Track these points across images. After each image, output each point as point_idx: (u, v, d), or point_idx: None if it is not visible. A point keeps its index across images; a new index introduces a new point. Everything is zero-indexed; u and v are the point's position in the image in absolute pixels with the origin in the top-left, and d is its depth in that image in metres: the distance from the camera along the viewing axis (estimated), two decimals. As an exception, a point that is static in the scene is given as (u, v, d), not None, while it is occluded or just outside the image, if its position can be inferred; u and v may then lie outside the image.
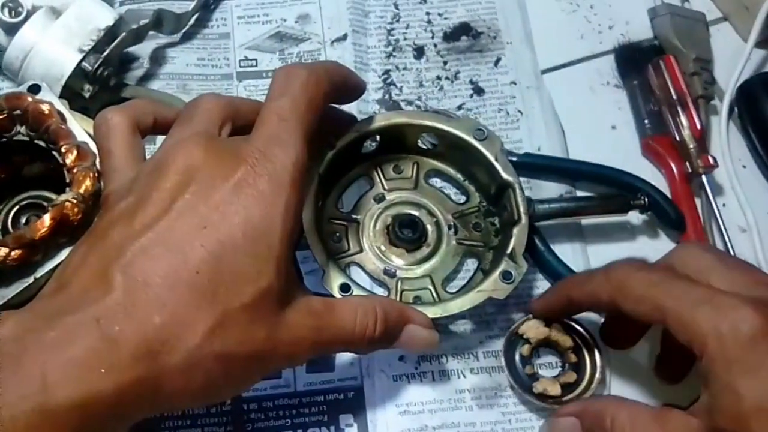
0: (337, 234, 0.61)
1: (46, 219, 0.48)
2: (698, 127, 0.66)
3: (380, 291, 0.59)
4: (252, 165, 0.43)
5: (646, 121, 0.69)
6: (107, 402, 0.36)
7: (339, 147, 0.58)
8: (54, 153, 0.52)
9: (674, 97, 0.68)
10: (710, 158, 0.65)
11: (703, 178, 0.66)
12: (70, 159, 0.50)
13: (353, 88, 0.55)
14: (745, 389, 0.41)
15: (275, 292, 0.42)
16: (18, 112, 0.52)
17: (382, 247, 0.61)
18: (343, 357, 0.59)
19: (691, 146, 0.66)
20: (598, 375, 0.57)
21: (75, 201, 0.49)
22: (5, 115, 0.52)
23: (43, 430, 0.35)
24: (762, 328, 0.42)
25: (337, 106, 0.58)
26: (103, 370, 0.36)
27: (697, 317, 0.44)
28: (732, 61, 0.71)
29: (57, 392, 0.35)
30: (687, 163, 0.66)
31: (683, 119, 0.67)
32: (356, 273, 0.60)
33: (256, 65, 0.71)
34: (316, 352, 0.46)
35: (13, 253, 0.48)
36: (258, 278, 0.41)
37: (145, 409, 0.39)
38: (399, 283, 0.59)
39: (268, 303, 0.42)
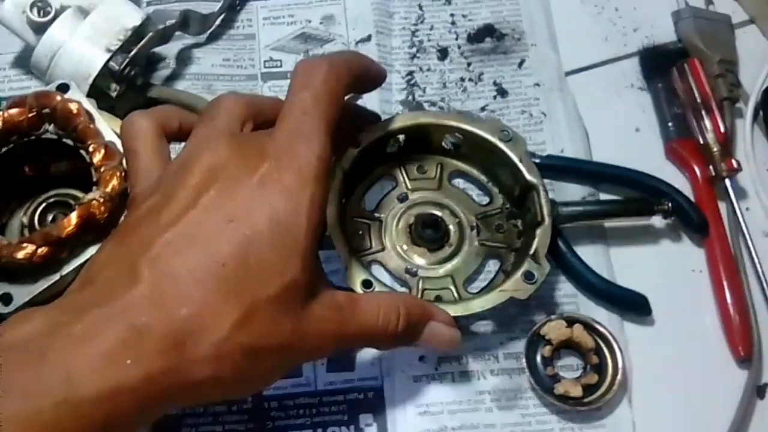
0: (360, 232, 0.61)
1: (73, 217, 0.49)
2: (722, 130, 0.66)
3: (401, 290, 0.59)
4: (276, 160, 0.43)
5: (670, 124, 0.69)
6: (134, 394, 0.36)
7: (364, 145, 0.59)
8: (82, 152, 0.52)
9: (698, 100, 0.67)
10: (734, 162, 0.65)
11: (727, 181, 0.65)
12: (97, 158, 0.51)
13: (374, 77, 0.55)
14: None
15: (301, 285, 0.42)
16: (47, 110, 0.53)
17: (405, 246, 0.61)
18: (364, 357, 0.60)
19: (715, 149, 0.66)
20: (619, 376, 0.57)
21: (102, 200, 0.49)
22: (34, 113, 0.53)
23: (70, 422, 0.35)
24: None
25: (360, 105, 0.58)
26: (129, 362, 0.36)
27: None
28: (758, 64, 0.71)
29: (83, 385, 0.35)
30: (711, 167, 0.65)
31: (707, 122, 0.67)
32: (378, 271, 0.60)
33: (281, 66, 0.72)
34: (340, 346, 0.46)
35: (39, 250, 0.49)
36: (284, 271, 0.41)
37: (173, 401, 0.40)
38: (420, 282, 0.59)
39: (294, 296, 0.42)
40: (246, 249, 0.40)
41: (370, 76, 0.54)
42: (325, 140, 0.45)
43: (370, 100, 0.67)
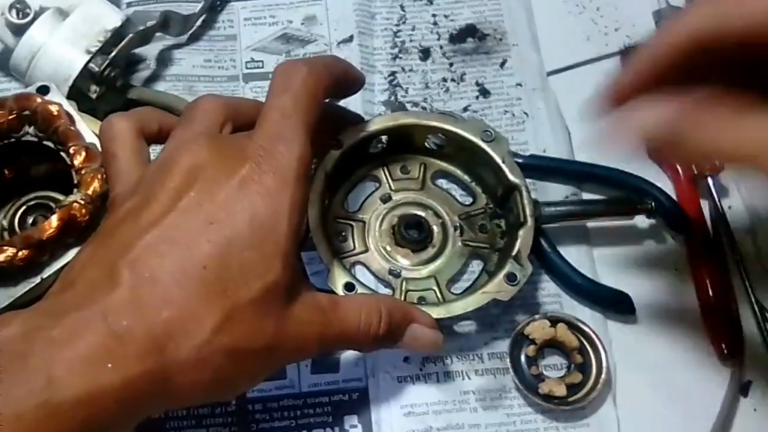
0: (343, 233, 0.61)
1: (54, 219, 0.49)
2: (704, 129, 0.66)
3: (385, 291, 0.59)
4: (256, 162, 0.43)
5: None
6: (114, 397, 0.36)
7: (346, 146, 0.59)
8: (62, 154, 0.52)
9: (680, 99, 0.67)
10: (717, 161, 0.65)
11: (709, 180, 0.65)
12: (78, 160, 0.51)
13: (353, 82, 0.55)
14: None
15: (282, 286, 0.42)
16: (27, 112, 0.52)
17: (388, 248, 0.61)
18: (348, 358, 0.59)
19: (697, 148, 0.66)
20: (603, 375, 0.57)
21: (83, 202, 0.49)
22: (14, 115, 0.52)
23: (49, 425, 0.35)
24: None
25: (342, 106, 0.58)
26: (109, 365, 0.36)
27: None
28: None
29: (62, 388, 0.35)
30: (693, 165, 0.66)
31: (689, 121, 0.67)
32: (361, 273, 0.60)
33: (263, 67, 0.72)
34: (323, 348, 0.47)
35: (20, 253, 0.49)
36: (265, 273, 0.41)
37: (155, 404, 0.40)
38: (404, 283, 0.59)
39: (276, 297, 0.42)
40: (226, 251, 0.41)
41: (348, 81, 0.54)
42: (305, 142, 0.45)
43: (352, 101, 0.67)
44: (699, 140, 0.40)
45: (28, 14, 0.63)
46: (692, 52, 0.41)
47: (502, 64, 0.72)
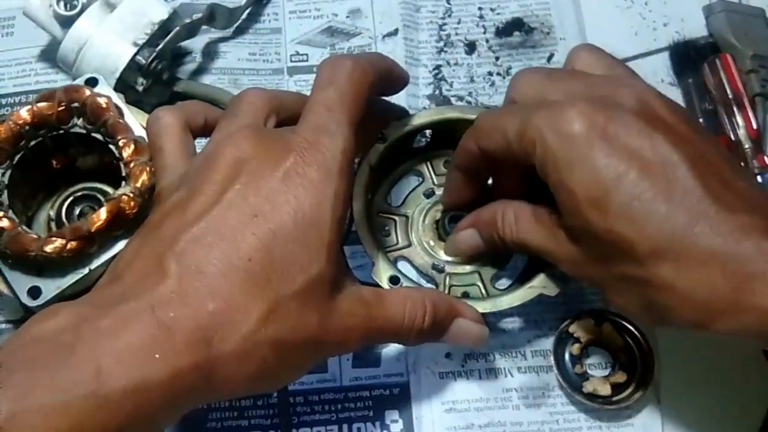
0: (386, 228, 0.61)
1: (103, 212, 0.49)
2: (754, 126, 0.65)
3: (428, 286, 0.59)
4: (300, 155, 0.43)
5: (700, 120, 0.68)
6: (161, 388, 0.37)
7: (391, 141, 0.58)
8: (111, 146, 0.52)
9: (730, 96, 0.66)
10: (766, 159, 0.64)
11: (759, 179, 0.64)
12: (127, 153, 0.51)
13: (397, 80, 0.55)
14: (573, 183, 0.44)
15: (326, 279, 0.43)
16: (76, 104, 0.53)
17: (431, 242, 0.61)
18: (389, 353, 0.59)
19: (747, 146, 0.65)
20: (648, 375, 0.56)
21: (132, 195, 0.49)
22: (63, 107, 0.52)
23: (97, 415, 0.35)
24: (583, 124, 0.44)
25: (386, 98, 0.58)
26: (157, 356, 0.37)
27: (528, 128, 0.46)
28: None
29: (110, 379, 0.35)
30: (743, 164, 0.65)
31: (739, 119, 0.66)
32: (405, 267, 0.60)
33: (307, 60, 0.72)
34: (366, 341, 0.47)
35: (69, 245, 0.49)
36: (309, 265, 0.42)
37: (201, 396, 0.40)
38: (447, 278, 0.59)
39: (320, 290, 0.42)
40: (271, 243, 0.41)
41: (393, 78, 0.54)
42: (349, 136, 0.45)
43: (395, 95, 0.67)
44: (509, 236, 0.52)
45: (75, 6, 0.64)
46: (478, 161, 0.53)
47: (549, 58, 0.71)
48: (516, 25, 0.73)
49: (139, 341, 0.37)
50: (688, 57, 0.71)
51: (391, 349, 0.60)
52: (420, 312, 0.48)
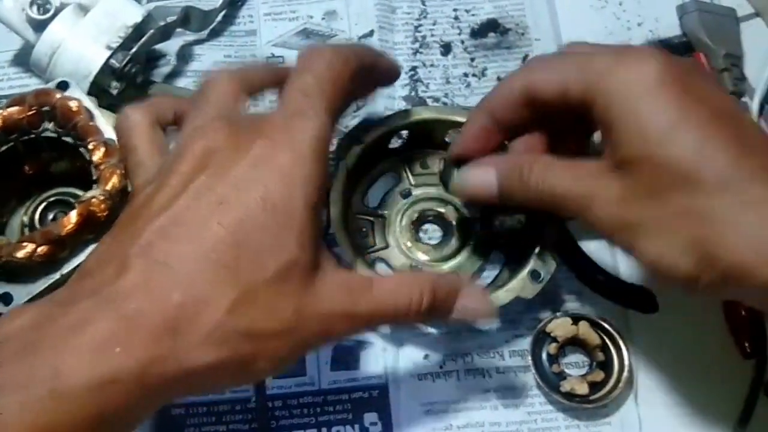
0: (364, 229, 0.61)
1: (73, 215, 0.49)
2: (729, 124, 0.65)
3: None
4: (271, 139, 0.42)
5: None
6: (127, 383, 0.36)
7: (367, 142, 0.58)
8: (81, 150, 0.52)
9: (704, 94, 0.67)
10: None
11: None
12: (97, 156, 0.51)
13: (387, 71, 0.54)
14: (644, 114, 0.43)
15: (301, 265, 0.41)
16: (46, 108, 0.53)
17: (408, 243, 0.61)
18: (368, 355, 0.59)
19: (721, 144, 0.65)
20: (626, 373, 0.56)
21: (102, 198, 0.49)
22: (34, 111, 0.52)
23: (58, 414, 0.34)
24: (656, 63, 0.44)
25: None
26: (119, 350, 0.36)
27: (594, 63, 0.46)
28: (764, 58, 0.70)
29: (70, 376, 0.34)
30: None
31: (713, 116, 0.66)
32: (382, 269, 0.60)
33: (283, 62, 0.71)
34: (355, 329, 0.45)
35: (40, 249, 0.49)
36: (279, 252, 0.40)
37: (172, 390, 0.39)
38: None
39: (294, 277, 0.41)
40: (238, 231, 0.40)
41: (380, 69, 0.53)
42: (326, 122, 0.44)
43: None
44: (534, 183, 0.48)
45: (48, 10, 0.63)
46: (516, 107, 0.50)
47: (524, 59, 0.71)
48: (491, 26, 0.73)
49: (101, 336, 0.36)
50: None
51: (370, 351, 0.59)
52: (415, 297, 0.45)
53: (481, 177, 0.51)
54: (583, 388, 0.56)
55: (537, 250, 0.55)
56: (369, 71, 0.50)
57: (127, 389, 0.36)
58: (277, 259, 0.40)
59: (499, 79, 0.70)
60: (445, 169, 0.54)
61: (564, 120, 0.50)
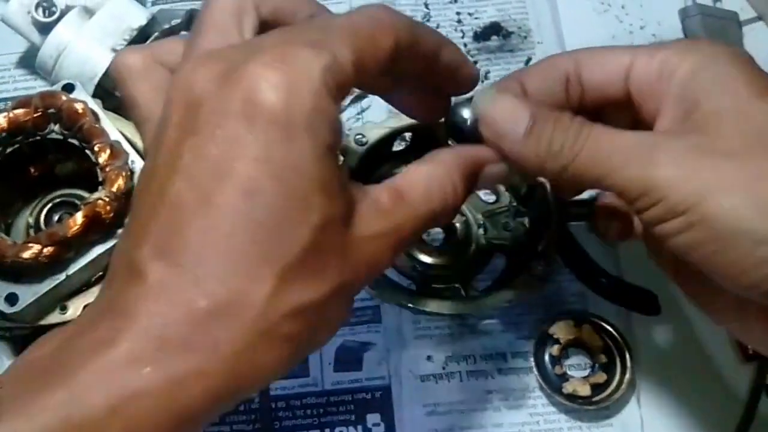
0: (367, 232, 0.61)
1: (79, 217, 0.49)
2: (731, 127, 0.65)
3: (411, 287, 0.59)
4: (263, 76, 0.34)
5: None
6: (158, 402, 0.32)
7: (370, 144, 0.58)
8: (87, 151, 0.52)
9: (707, 97, 0.67)
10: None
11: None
12: (102, 158, 0.51)
13: (459, 74, 0.44)
14: (742, 83, 0.40)
15: (334, 217, 0.35)
16: (52, 110, 0.53)
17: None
18: (371, 357, 0.60)
19: (724, 147, 0.65)
20: (628, 375, 0.56)
21: (107, 199, 0.49)
22: (40, 113, 0.52)
23: None
24: (730, 52, 0.42)
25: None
26: (148, 369, 0.32)
27: (662, 50, 0.43)
28: (766, 61, 0.70)
29: (87, 400, 0.31)
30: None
31: (716, 119, 0.66)
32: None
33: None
34: (400, 250, 0.39)
35: (45, 250, 0.49)
36: (307, 213, 0.34)
37: (227, 399, 0.34)
38: (428, 280, 0.59)
39: (330, 231, 0.35)
40: (251, 204, 0.33)
41: (449, 67, 0.43)
42: (347, 56, 0.36)
43: (376, 99, 0.67)
44: (577, 133, 0.41)
45: (54, 12, 0.64)
46: (555, 85, 0.45)
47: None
48: (494, 29, 0.73)
49: (123, 355, 0.32)
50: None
51: (373, 353, 0.60)
52: (449, 188, 0.40)
53: (511, 109, 0.42)
54: (585, 390, 0.56)
55: (539, 250, 0.55)
56: (427, 58, 0.41)
57: (159, 409, 0.32)
58: (307, 222, 0.34)
59: (501, 82, 0.70)
60: (454, 109, 0.46)
61: (594, 110, 0.45)
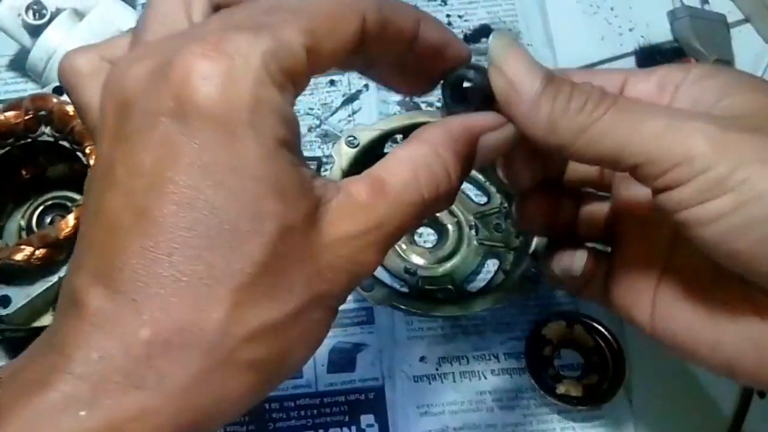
0: (358, 233, 0.61)
1: (70, 219, 0.49)
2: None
3: (402, 289, 0.59)
4: (198, 64, 0.29)
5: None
6: None
7: (362, 145, 0.59)
8: (78, 154, 0.52)
9: (695, 98, 0.67)
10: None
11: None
12: (94, 160, 0.51)
13: (439, 44, 0.37)
14: None
15: (290, 230, 0.30)
16: (43, 112, 0.53)
17: (403, 246, 0.61)
18: (365, 358, 0.59)
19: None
20: (619, 376, 0.56)
21: (100, 201, 0.49)
22: (31, 115, 0.52)
23: None
24: None
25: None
26: (84, 413, 0.28)
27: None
28: (754, 63, 0.71)
29: None
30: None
31: (704, 121, 0.66)
32: (377, 271, 0.60)
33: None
34: (388, 247, 0.33)
35: (38, 252, 0.49)
36: (259, 221, 0.29)
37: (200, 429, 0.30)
38: (420, 281, 0.59)
39: (288, 249, 0.30)
40: (192, 222, 0.28)
41: (433, 47, 0.37)
42: (296, 40, 0.30)
43: (366, 100, 0.67)
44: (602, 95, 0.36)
45: (44, 15, 0.64)
46: None
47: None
48: (483, 31, 0.73)
49: (56, 398, 0.28)
50: (653, 61, 0.72)
51: (366, 354, 0.60)
52: (439, 168, 0.34)
53: (529, 61, 0.37)
54: (577, 391, 0.56)
55: (530, 251, 0.56)
56: (404, 39, 0.36)
57: None
58: (260, 232, 0.29)
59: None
60: (453, 70, 0.39)
61: None
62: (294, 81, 0.31)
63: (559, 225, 0.44)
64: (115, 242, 0.29)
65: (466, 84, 0.38)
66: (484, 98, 0.37)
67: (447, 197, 0.35)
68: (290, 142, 0.30)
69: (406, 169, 0.33)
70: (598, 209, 0.45)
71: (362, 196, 0.32)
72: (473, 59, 0.39)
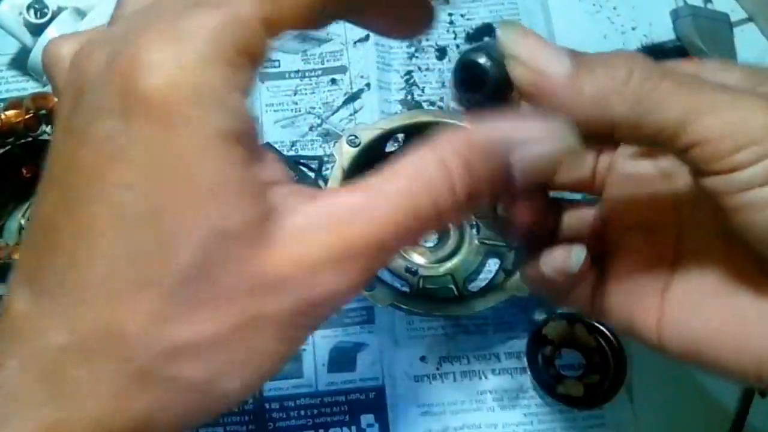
0: (359, 233, 0.61)
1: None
2: (722, 127, 0.66)
3: (402, 289, 0.59)
4: (146, 56, 0.25)
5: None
6: None
7: (363, 145, 0.59)
8: (79, 152, 0.52)
9: (698, 97, 0.67)
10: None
11: (728, 178, 0.65)
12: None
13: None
14: None
15: (227, 237, 0.26)
16: (44, 111, 0.53)
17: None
18: (365, 357, 0.59)
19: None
20: (621, 376, 0.56)
21: (100, 199, 0.49)
22: (31, 114, 0.52)
23: None
24: None
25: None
26: None
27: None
28: (757, 62, 0.71)
29: None
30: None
31: (707, 120, 0.66)
32: (378, 270, 0.60)
33: (279, 66, 0.72)
34: (364, 273, 0.28)
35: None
36: (188, 231, 0.26)
37: None
38: (421, 280, 0.59)
39: (222, 258, 0.26)
40: (122, 222, 0.26)
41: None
42: (250, 11, 0.27)
43: (368, 101, 0.67)
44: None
45: (46, 14, 0.64)
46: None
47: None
48: (486, 30, 0.73)
49: None
50: (656, 60, 0.71)
51: (367, 353, 0.60)
52: (440, 186, 0.28)
53: (548, 44, 0.32)
54: (578, 390, 0.56)
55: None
56: None
57: None
58: (188, 234, 0.26)
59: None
60: (464, 57, 0.33)
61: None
62: (250, 55, 0.27)
63: (541, 232, 0.41)
64: (47, 242, 0.27)
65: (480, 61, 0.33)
66: (496, 87, 0.33)
67: (448, 215, 0.29)
68: (239, 134, 0.26)
69: (401, 177, 0.29)
70: (585, 215, 0.42)
71: (343, 212, 0.28)
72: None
